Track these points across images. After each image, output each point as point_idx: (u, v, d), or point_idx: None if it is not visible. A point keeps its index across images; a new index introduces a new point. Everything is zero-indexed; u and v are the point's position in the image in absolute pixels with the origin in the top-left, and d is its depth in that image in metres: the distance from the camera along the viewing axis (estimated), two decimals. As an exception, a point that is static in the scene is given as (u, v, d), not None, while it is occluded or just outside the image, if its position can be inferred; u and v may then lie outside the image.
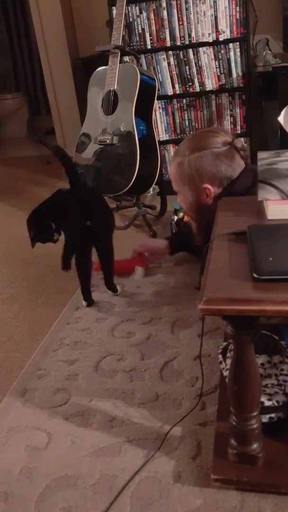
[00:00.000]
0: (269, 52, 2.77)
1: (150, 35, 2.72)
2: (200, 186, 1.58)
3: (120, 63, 2.42)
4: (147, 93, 2.43)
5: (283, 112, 1.69)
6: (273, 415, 1.09)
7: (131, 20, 2.71)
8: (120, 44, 2.41)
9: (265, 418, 1.08)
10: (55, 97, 4.22)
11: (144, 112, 2.42)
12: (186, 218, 2.39)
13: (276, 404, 1.09)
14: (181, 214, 2.41)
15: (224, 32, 2.63)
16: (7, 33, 5.74)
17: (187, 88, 2.78)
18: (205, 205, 1.61)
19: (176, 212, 2.42)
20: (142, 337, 1.61)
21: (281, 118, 1.69)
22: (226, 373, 1.20)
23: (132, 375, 1.43)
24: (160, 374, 1.42)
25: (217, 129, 1.67)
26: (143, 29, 2.72)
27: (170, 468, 1.11)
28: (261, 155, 1.18)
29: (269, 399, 1.10)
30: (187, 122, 2.85)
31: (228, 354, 1.25)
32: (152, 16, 2.68)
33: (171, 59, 2.74)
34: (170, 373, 1.42)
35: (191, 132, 2.82)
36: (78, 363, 1.52)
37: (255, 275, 0.86)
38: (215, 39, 2.65)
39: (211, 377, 1.37)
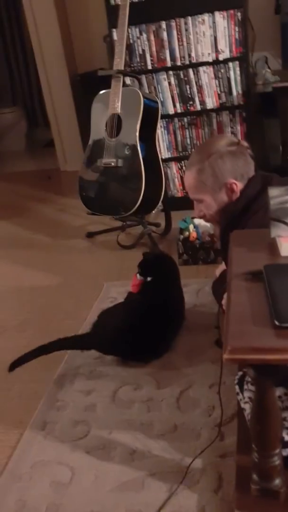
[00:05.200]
0: (268, 70, 2.81)
1: (151, 56, 2.76)
2: (226, 184, 1.62)
3: (122, 85, 2.46)
4: (151, 116, 2.47)
5: None
6: (292, 448, 1.11)
7: (131, 41, 2.74)
8: (122, 68, 2.45)
9: (285, 452, 1.10)
10: (54, 112, 4.24)
11: (147, 134, 2.46)
12: (192, 237, 2.42)
13: (295, 437, 1.12)
14: (186, 233, 2.44)
15: (223, 52, 2.67)
16: (3, 47, 5.77)
17: (188, 107, 2.81)
18: (231, 203, 1.64)
19: (181, 231, 2.45)
20: (155, 364, 1.64)
21: None
22: (244, 406, 1.23)
23: (149, 405, 1.46)
24: (177, 404, 1.45)
25: (220, 134, 1.69)
26: (143, 50, 2.75)
27: (194, 502, 1.13)
28: (271, 192, 1.20)
29: (288, 433, 1.13)
30: (188, 140, 2.89)
31: (245, 386, 1.28)
32: (152, 37, 2.71)
33: (172, 79, 2.77)
34: (186, 402, 1.45)
35: (193, 150, 2.85)
36: (95, 393, 1.54)
37: (277, 323, 0.89)
38: (214, 58, 2.69)
39: (228, 405, 1.39)
